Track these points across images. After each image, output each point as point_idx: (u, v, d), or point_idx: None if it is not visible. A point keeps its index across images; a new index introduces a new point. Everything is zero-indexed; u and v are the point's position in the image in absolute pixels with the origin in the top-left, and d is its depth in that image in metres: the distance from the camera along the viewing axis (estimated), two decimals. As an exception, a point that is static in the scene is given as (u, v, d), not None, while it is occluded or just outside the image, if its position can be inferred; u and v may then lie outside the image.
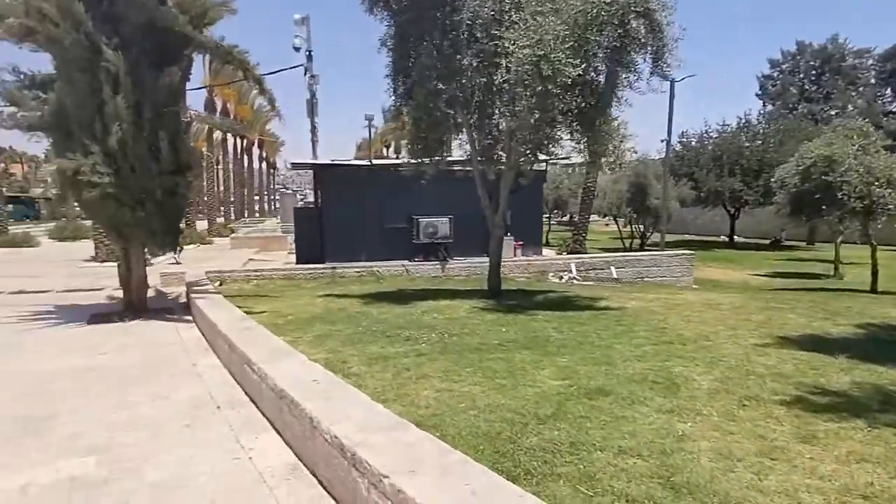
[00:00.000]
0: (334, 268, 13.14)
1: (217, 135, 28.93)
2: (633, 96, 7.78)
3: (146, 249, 8.38)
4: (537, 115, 7.07)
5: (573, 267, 14.69)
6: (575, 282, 13.89)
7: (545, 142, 7.89)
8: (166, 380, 5.18)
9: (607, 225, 37.07)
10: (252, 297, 9.85)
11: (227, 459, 3.52)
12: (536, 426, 3.63)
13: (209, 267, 12.51)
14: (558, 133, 7.88)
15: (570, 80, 6.39)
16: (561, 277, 14.22)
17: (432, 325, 6.87)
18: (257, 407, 4.39)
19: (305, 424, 3.34)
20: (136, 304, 8.36)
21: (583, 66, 6.50)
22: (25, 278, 13.21)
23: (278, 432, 3.90)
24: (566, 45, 6.34)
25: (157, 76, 7.63)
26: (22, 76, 7.92)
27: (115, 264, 16.37)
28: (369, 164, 12.98)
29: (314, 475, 3.27)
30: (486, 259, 14.01)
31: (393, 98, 8.91)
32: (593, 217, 24.92)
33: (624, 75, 7.44)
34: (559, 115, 7.36)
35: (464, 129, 8.79)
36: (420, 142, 8.95)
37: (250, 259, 17.38)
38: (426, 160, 9.27)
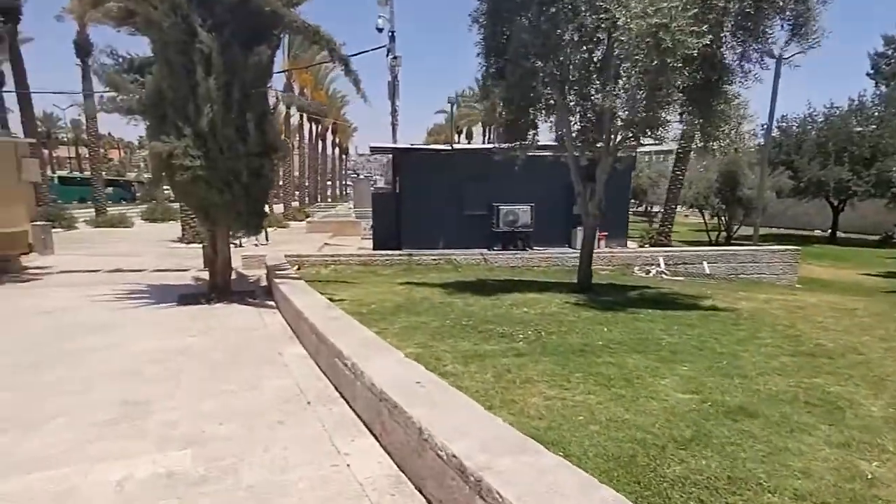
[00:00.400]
0: (411, 254, 12.90)
1: (294, 120, 29.68)
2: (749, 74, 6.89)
3: (231, 232, 8.39)
4: (647, 94, 6.35)
5: (661, 260, 13.70)
6: (664, 276, 12.93)
7: (652, 124, 7.10)
8: (253, 368, 5.01)
9: (687, 216, 34.94)
10: (331, 282, 9.75)
11: (324, 465, 3.22)
12: (676, 451, 3.08)
13: (286, 250, 12.63)
14: (668, 114, 7.07)
15: (692, 53, 5.63)
16: (648, 272, 13.29)
17: (525, 320, 6.39)
18: (349, 405, 4.08)
19: (412, 435, 2.96)
20: (220, 286, 8.42)
21: (708, 36, 5.70)
22: (121, 258, 13.88)
23: (376, 437, 3.56)
24: (689, 13, 5.58)
25: (247, 56, 7.53)
26: (120, 60, 8.08)
27: (200, 246, 17.03)
28: (450, 148, 12.61)
29: (421, 493, 2.90)
30: (568, 250, 13.42)
31: (482, 78, 8.38)
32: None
33: (754, 46, 6.52)
34: (674, 94, 6.56)
35: (558, 111, 8.14)
36: (510, 125, 8.40)
37: (325, 243, 17.54)
38: (515, 144, 8.70)
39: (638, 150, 11.43)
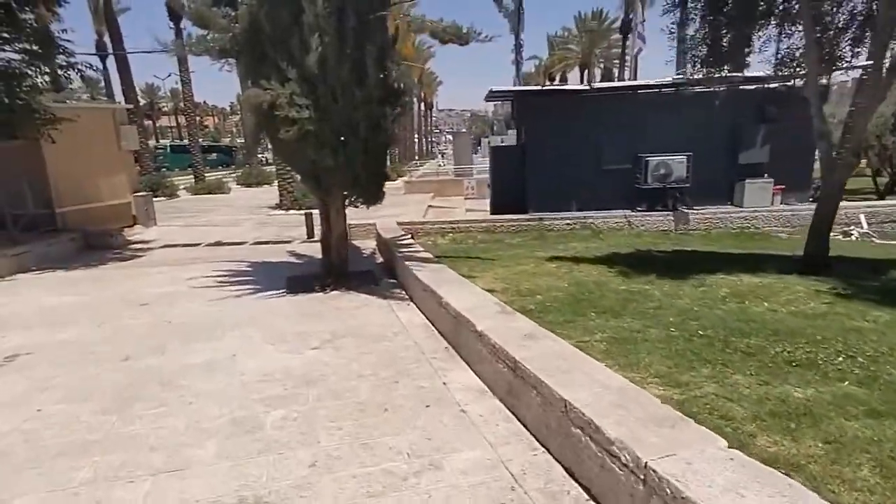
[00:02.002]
0: (541, 219, 10.86)
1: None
2: None
3: (346, 201, 6.75)
4: None
5: (863, 219, 10.70)
6: (874, 241, 10.01)
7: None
8: (419, 420, 3.29)
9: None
10: (460, 258, 7.95)
11: None
12: None
13: (388, 215, 10.97)
14: None
15: None
16: (849, 234, 10.39)
17: (794, 328, 4.21)
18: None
19: None
20: (336, 267, 6.87)
21: None
22: (220, 228, 12.96)
23: None
24: None
25: (362, -32, 5.65)
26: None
27: (300, 213, 15.93)
28: (589, 87, 10.22)
29: None
30: (730, 209, 10.77)
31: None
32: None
33: None
34: None
35: (802, 13, 5.56)
36: (714, 43, 5.97)
37: (429, 206, 15.83)
38: (713, 72, 6.28)
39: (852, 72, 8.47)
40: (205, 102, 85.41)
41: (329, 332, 4.98)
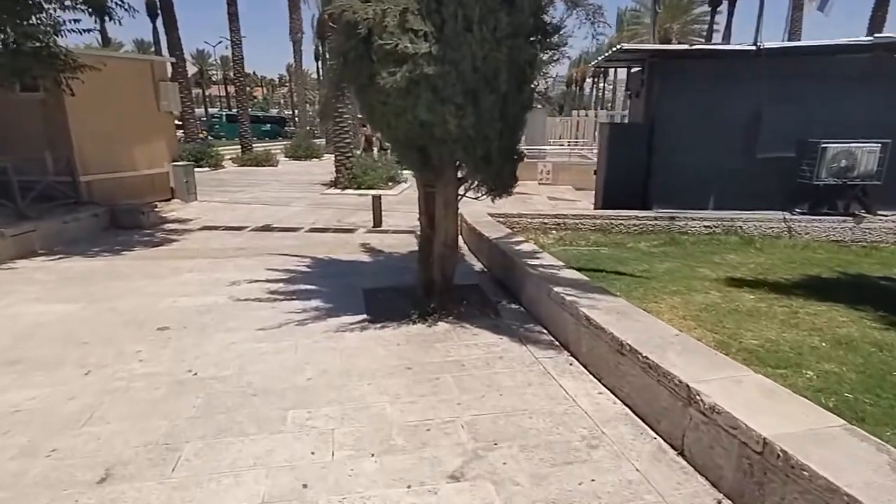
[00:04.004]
0: (672, 217, 8.41)
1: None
2: None
3: (463, 190, 4.54)
4: None
5: None
6: None
7: None
8: None
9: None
10: (588, 270, 5.59)
11: None
12: None
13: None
14: None
15: None
16: None
17: None
18: None
19: None
20: (439, 285, 4.69)
21: None
22: (269, 207, 11.00)
23: None
24: None
25: None
26: None
27: (358, 193, 13.83)
28: (756, 48, 7.64)
29: None
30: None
31: None
32: None
33: None
34: None
35: None
36: None
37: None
38: None
39: None
40: (254, 73, 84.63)
41: (467, 432, 2.81)
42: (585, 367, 3.56)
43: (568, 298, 3.85)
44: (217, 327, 4.29)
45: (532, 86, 4.22)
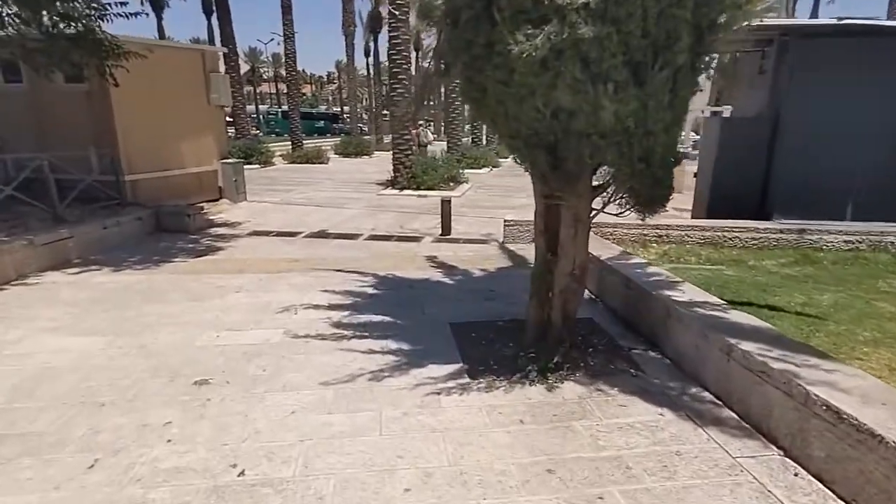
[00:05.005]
0: (802, 230, 6.95)
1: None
2: None
3: (596, 206, 3.35)
4: None
5: None
6: None
7: None
8: None
9: None
10: (732, 303, 4.27)
11: None
12: None
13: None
14: None
15: None
16: None
17: None
18: None
19: None
20: (558, 326, 3.51)
21: None
22: (323, 210, 10.09)
23: None
24: None
25: None
26: None
27: (417, 194, 12.77)
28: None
29: None
30: None
31: None
32: None
33: None
34: None
35: None
36: None
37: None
38: None
39: None
40: (303, 70, 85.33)
41: None
42: (823, 482, 2.32)
43: (776, 367, 2.61)
44: (271, 382, 3.25)
45: (709, 59, 2.99)
